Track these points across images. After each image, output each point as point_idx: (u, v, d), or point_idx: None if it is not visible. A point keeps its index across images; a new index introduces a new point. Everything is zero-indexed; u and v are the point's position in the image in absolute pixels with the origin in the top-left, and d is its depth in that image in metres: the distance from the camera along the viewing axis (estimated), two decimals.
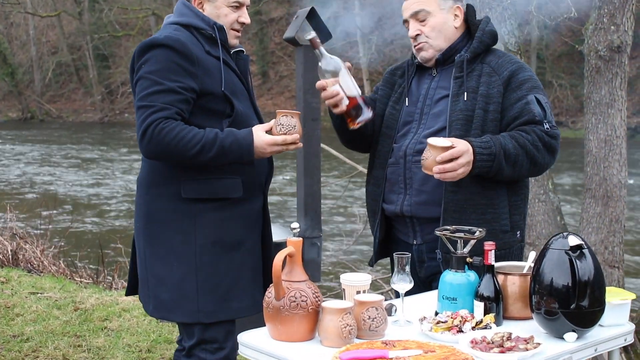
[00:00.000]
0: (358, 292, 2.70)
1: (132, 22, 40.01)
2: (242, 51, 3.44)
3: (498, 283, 2.74)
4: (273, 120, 3.20)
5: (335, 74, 3.21)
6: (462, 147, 3.07)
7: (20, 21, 44.04)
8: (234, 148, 3.11)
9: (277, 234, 3.89)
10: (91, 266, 9.92)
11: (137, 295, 3.43)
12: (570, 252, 2.55)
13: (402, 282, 2.76)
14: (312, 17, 4.66)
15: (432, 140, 3.08)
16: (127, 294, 3.53)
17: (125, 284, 8.24)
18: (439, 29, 3.40)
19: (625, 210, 7.53)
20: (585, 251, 2.57)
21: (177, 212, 3.18)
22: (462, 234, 2.84)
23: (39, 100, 42.45)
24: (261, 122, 3.36)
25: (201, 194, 3.18)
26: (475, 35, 3.41)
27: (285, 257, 2.56)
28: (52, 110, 42.11)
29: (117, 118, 40.03)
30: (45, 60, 43.80)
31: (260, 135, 3.15)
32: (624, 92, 7.40)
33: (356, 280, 2.73)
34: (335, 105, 3.24)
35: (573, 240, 2.57)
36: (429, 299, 3.00)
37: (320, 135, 4.84)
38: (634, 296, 2.78)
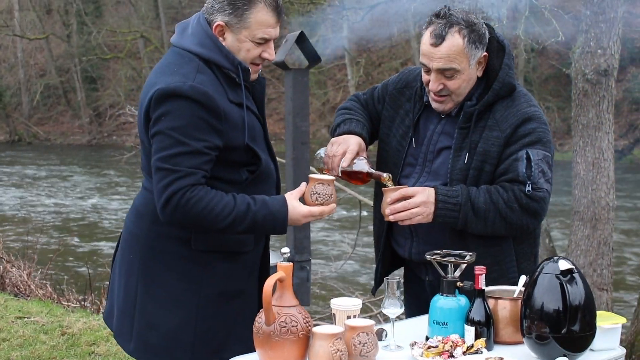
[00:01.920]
0: (348, 317, 2.69)
1: (121, 44, 40.03)
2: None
3: (489, 307, 2.74)
4: (304, 185, 2.97)
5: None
6: (417, 188, 3.05)
7: (8, 44, 43.99)
8: (267, 221, 2.86)
9: None
10: (78, 290, 9.87)
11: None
12: (561, 277, 2.55)
13: (393, 307, 2.75)
14: (301, 41, 4.68)
15: (387, 188, 3.10)
16: (105, 319, 3.23)
17: None
18: (465, 86, 3.13)
19: (614, 233, 7.56)
20: (576, 275, 2.57)
21: (184, 258, 2.94)
22: (452, 258, 2.83)
23: (26, 123, 42.33)
24: (275, 161, 3.12)
25: (213, 247, 2.94)
26: (492, 87, 3.14)
27: (276, 282, 2.55)
28: (40, 133, 41.97)
29: (105, 140, 39.93)
30: (33, 83, 43.72)
31: (295, 206, 2.91)
32: (611, 115, 7.46)
33: (346, 305, 2.72)
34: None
35: (564, 265, 2.57)
36: (420, 323, 2.99)
37: (309, 158, 4.84)
38: (624, 320, 2.78)
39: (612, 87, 7.44)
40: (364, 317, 2.99)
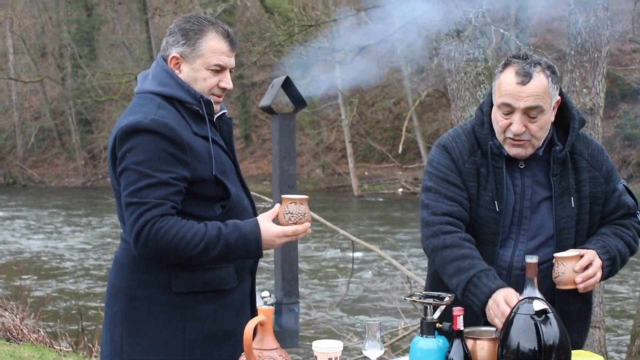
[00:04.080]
0: (329, 359, 2.73)
1: (115, 86, 40.27)
2: (224, 113, 3.15)
3: (467, 348, 2.78)
4: (277, 206, 2.96)
5: None
6: (591, 253, 3.00)
7: (3, 87, 44.27)
8: (240, 244, 2.86)
9: None
10: (71, 333, 9.86)
11: None
12: (535, 317, 2.60)
13: (373, 349, 2.80)
14: (287, 86, 4.76)
15: (561, 254, 2.98)
16: None
17: None
18: (545, 128, 3.05)
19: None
20: (550, 315, 2.62)
21: (166, 304, 2.92)
22: (431, 300, 2.88)
23: (21, 166, 42.44)
24: (249, 197, 3.14)
25: (194, 287, 2.93)
26: (572, 126, 3.10)
27: (256, 326, 2.60)
28: (35, 176, 42.07)
29: (100, 182, 40.01)
30: (27, 126, 43.92)
31: (267, 227, 2.91)
32: None
33: (328, 347, 2.76)
34: None
35: (538, 305, 2.62)
36: None
37: None
38: (601, 358, 2.82)
39: (599, 125, 7.54)
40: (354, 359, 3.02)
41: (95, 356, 7.99)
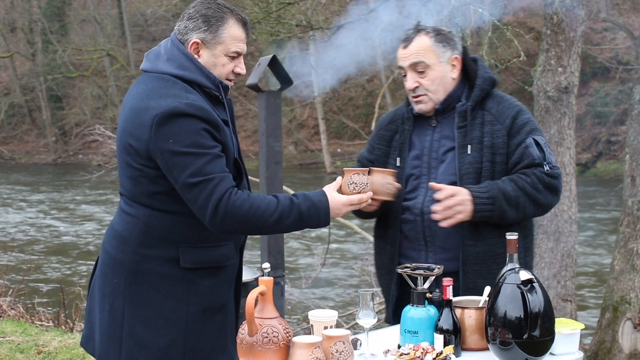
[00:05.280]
0: (325, 328, 2.86)
1: (87, 63, 39.96)
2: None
3: (456, 316, 2.92)
4: (340, 178, 3.13)
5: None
6: (454, 187, 3.27)
7: None
8: (311, 212, 2.96)
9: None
10: (49, 309, 9.92)
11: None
12: (522, 286, 2.74)
13: (367, 318, 2.92)
14: (274, 64, 4.85)
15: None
16: (82, 344, 3.24)
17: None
18: (438, 82, 3.42)
19: (577, 246, 7.79)
20: (536, 285, 2.76)
21: (171, 278, 2.99)
22: (422, 271, 3.01)
23: None
24: (247, 178, 3.20)
25: (200, 263, 3.01)
26: (476, 83, 3.44)
27: (257, 296, 2.72)
28: (4, 152, 41.70)
29: (70, 159, 39.76)
30: None
31: (334, 196, 3.03)
32: (572, 131, 7.71)
33: (324, 317, 2.89)
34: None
35: (524, 275, 2.76)
36: (392, 333, 3.17)
37: (282, 177, 5.00)
38: (582, 326, 2.97)
39: (573, 103, 7.70)
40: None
41: (78, 331, 8.06)
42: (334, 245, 13.26)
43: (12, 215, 21.48)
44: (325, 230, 12.12)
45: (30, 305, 9.49)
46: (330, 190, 3.06)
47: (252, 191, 3.20)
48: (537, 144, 3.37)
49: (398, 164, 3.51)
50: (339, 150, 34.16)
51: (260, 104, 4.93)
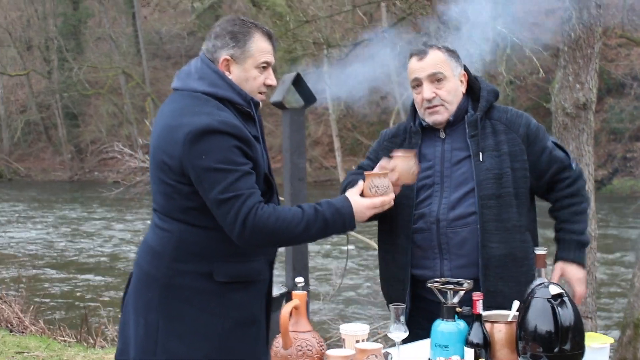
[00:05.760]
0: (357, 341, 2.90)
1: (102, 80, 40.23)
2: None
3: (486, 330, 2.95)
4: (361, 182, 3.18)
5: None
6: (581, 282, 3.58)
7: None
8: (336, 219, 3.05)
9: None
10: (70, 325, 9.97)
11: None
12: (552, 300, 2.78)
13: (398, 332, 2.96)
14: (298, 82, 4.91)
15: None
16: (117, 358, 3.29)
17: (109, 341, 8.33)
18: (453, 94, 3.49)
19: (597, 262, 7.78)
20: (566, 299, 2.80)
21: (205, 292, 3.05)
22: (451, 286, 3.05)
23: (7, 159, 42.33)
24: (277, 193, 3.28)
25: (234, 277, 3.08)
26: (481, 95, 3.54)
27: (291, 309, 2.76)
28: (21, 169, 41.99)
29: (86, 177, 39.98)
30: (13, 119, 43.78)
31: (357, 200, 3.11)
32: (591, 147, 7.72)
33: (355, 330, 2.93)
34: None
35: (554, 290, 2.80)
36: (423, 347, 3.20)
37: (306, 194, 5.05)
38: (612, 340, 3.00)
39: (591, 120, 7.71)
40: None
41: (100, 346, 8.12)
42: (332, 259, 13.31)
43: (25, 232, 21.58)
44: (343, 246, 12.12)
45: (51, 319, 9.55)
46: (352, 194, 3.14)
47: None
48: (556, 144, 3.55)
49: None
50: (353, 167, 33.72)
51: (285, 121, 4.99)
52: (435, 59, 3.48)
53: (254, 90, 3.17)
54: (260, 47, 3.15)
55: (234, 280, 3.08)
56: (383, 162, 3.33)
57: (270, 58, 3.19)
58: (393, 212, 3.42)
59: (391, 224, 3.54)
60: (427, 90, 3.47)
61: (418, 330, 3.23)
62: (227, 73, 3.14)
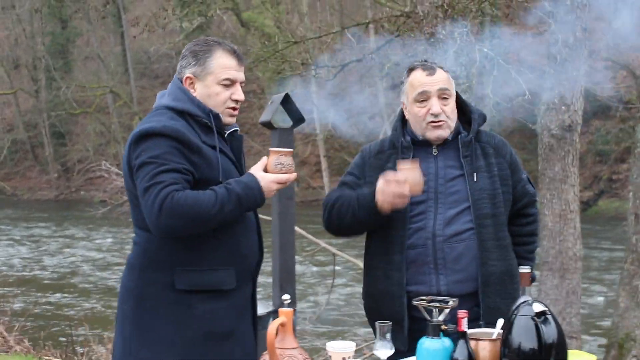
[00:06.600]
0: (343, 359, 2.92)
1: (90, 99, 40.15)
2: (237, 130, 3.38)
3: (471, 348, 2.98)
4: (265, 158, 3.22)
5: None
6: None
7: None
8: (248, 193, 3.09)
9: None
10: (55, 344, 9.92)
11: None
12: (535, 318, 2.81)
13: (384, 349, 2.98)
14: (287, 102, 4.94)
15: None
16: None
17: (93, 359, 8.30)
18: (454, 112, 3.57)
19: (581, 282, 7.83)
20: (549, 317, 2.83)
21: (170, 302, 3.12)
22: (437, 304, 3.08)
23: None
24: (255, 212, 3.36)
25: (195, 285, 3.13)
26: (472, 118, 3.61)
27: (278, 326, 2.79)
28: (7, 188, 41.78)
29: (72, 196, 39.82)
30: (0, 138, 43.62)
31: (263, 175, 3.16)
32: (576, 169, 7.80)
33: (341, 348, 2.95)
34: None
35: (538, 307, 2.83)
36: None
37: (295, 212, 5.08)
38: (595, 358, 3.03)
39: (577, 141, 7.79)
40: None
41: None
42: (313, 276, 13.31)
43: (8, 250, 21.49)
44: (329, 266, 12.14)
45: (36, 338, 9.50)
46: (256, 170, 3.18)
47: (265, 228, 3.36)
48: (529, 180, 3.70)
49: None
50: None
51: (273, 140, 5.02)
52: (443, 76, 3.55)
53: (219, 106, 3.26)
54: (221, 63, 3.25)
55: (195, 289, 3.13)
56: (390, 175, 3.34)
57: (234, 74, 3.28)
58: (386, 227, 3.47)
59: (384, 239, 3.54)
60: (436, 105, 3.49)
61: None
62: (192, 91, 3.26)
